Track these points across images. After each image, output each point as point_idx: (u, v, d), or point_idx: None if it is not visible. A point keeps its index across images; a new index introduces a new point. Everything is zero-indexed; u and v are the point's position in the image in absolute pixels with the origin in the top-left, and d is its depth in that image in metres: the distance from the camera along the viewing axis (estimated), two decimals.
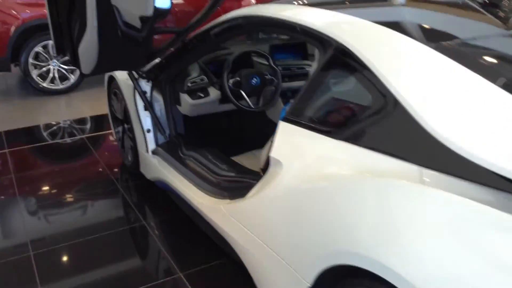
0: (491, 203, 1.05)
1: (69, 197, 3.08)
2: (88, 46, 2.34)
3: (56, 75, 5.44)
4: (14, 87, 6.09)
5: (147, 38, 2.35)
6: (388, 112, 1.33)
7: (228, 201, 2.00)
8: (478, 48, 1.52)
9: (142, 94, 2.83)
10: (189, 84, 2.74)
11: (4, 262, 2.38)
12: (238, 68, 2.69)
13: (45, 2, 2.63)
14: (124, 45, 2.36)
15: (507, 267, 0.97)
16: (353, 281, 1.28)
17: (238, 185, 2.08)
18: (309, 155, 1.51)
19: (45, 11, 2.76)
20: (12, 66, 5.43)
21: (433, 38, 1.53)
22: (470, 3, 2.03)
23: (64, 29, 2.59)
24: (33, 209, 2.94)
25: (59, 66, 5.44)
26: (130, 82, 2.89)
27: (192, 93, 2.73)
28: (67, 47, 2.66)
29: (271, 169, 1.67)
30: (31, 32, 5.20)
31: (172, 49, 2.62)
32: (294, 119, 1.62)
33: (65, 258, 2.45)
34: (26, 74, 5.34)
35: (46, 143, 4.13)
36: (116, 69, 3.00)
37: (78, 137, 4.21)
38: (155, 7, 2.17)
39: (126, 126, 3.18)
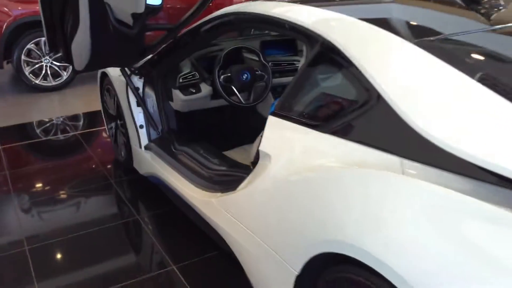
0: (468, 192, 1.10)
1: (63, 193, 3.11)
2: (81, 43, 2.37)
3: (49, 72, 5.45)
4: (6, 84, 6.08)
5: (139, 34, 2.38)
6: (372, 106, 1.38)
7: (219, 194, 2.05)
8: (460, 43, 1.57)
9: (135, 90, 2.86)
10: (181, 80, 2.77)
11: (0, 257, 2.42)
12: (229, 64, 2.73)
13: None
14: (117, 41, 2.38)
15: (485, 254, 1.01)
16: (339, 268, 1.33)
17: (229, 179, 2.12)
18: (296, 148, 1.56)
19: (37, 8, 2.77)
20: (4, 63, 5.43)
21: (416, 34, 1.58)
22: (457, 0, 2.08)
23: (57, 26, 2.61)
24: (27, 205, 2.97)
25: (52, 63, 5.44)
26: (123, 79, 2.92)
27: (184, 89, 2.76)
28: (60, 44, 2.68)
29: (260, 162, 1.72)
30: (24, 29, 5.21)
31: (164, 45, 2.66)
32: (282, 113, 1.67)
33: (60, 253, 2.48)
34: (18, 71, 5.34)
35: (39, 139, 4.15)
36: (109, 66, 3.03)
37: (71, 133, 4.23)
38: (146, 4, 2.20)
39: (119, 122, 3.21)
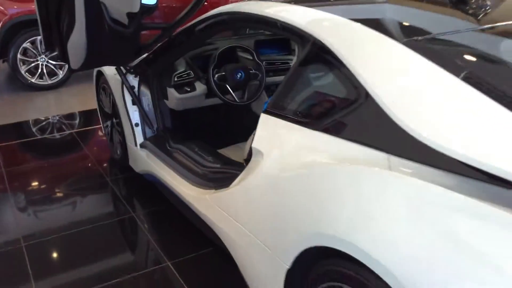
0: (452, 187, 1.14)
1: (59, 191, 3.14)
2: (77, 42, 2.39)
3: (45, 71, 5.46)
4: (2, 83, 6.09)
5: (134, 34, 2.40)
6: (361, 104, 1.41)
7: (213, 191, 2.08)
8: (447, 43, 1.61)
9: (130, 88, 2.89)
10: (176, 79, 2.80)
11: None
12: (223, 63, 2.76)
13: None
14: (112, 40, 2.41)
15: (469, 248, 1.04)
16: (329, 262, 1.37)
17: (223, 176, 2.16)
18: (288, 145, 1.60)
19: (33, 7, 2.79)
20: (0, 62, 5.44)
21: (405, 34, 1.62)
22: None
23: (53, 25, 2.64)
24: (23, 203, 2.99)
25: (48, 62, 5.45)
26: (118, 77, 2.94)
27: (179, 88, 2.79)
28: (56, 43, 2.70)
29: (253, 159, 1.75)
30: (19, 28, 5.21)
31: (159, 44, 2.68)
32: (274, 111, 1.70)
33: (56, 250, 2.50)
34: (14, 69, 5.35)
35: (35, 138, 4.17)
36: (104, 65, 3.05)
37: (67, 132, 4.25)
38: (141, 3, 2.23)
39: (114, 120, 3.23)
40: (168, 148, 2.71)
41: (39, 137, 4.20)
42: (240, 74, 2.75)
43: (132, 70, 2.89)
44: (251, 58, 2.88)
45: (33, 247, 2.49)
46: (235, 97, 2.77)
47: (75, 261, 2.38)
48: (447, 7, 2.06)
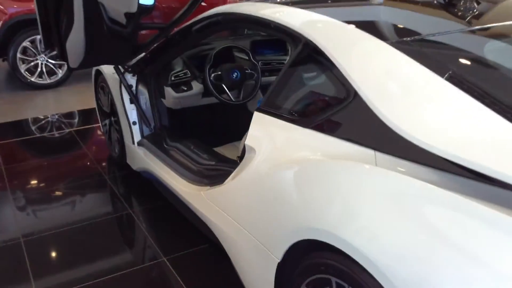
0: (435, 183, 1.19)
1: (58, 189, 3.17)
2: (75, 41, 2.43)
3: (44, 70, 5.49)
4: (2, 82, 6.13)
5: (132, 33, 2.45)
6: (349, 103, 1.46)
7: (207, 187, 2.13)
8: (434, 44, 1.66)
9: (128, 87, 2.93)
10: (173, 78, 2.84)
11: None
12: (219, 62, 2.81)
13: None
14: (110, 40, 2.45)
15: (449, 239, 1.08)
16: (317, 254, 1.41)
17: (217, 173, 2.20)
18: (279, 142, 1.65)
19: (33, 6, 2.83)
20: (0, 60, 5.48)
21: (394, 35, 1.67)
22: (442, 2, 2.17)
23: (52, 24, 2.68)
24: (23, 200, 3.03)
25: (47, 61, 5.49)
26: (116, 76, 2.98)
27: (176, 87, 2.83)
28: (55, 42, 2.75)
29: (246, 156, 1.80)
30: (19, 27, 5.25)
31: (156, 44, 2.73)
32: (267, 109, 1.75)
33: (55, 245, 2.54)
34: (14, 68, 5.39)
35: (35, 136, 4.21)
36: (103, 63, 3.09)
37: (66, 130, 4.29)
38: (139, 4, 2.27)
39: (112, 119, 3.28)
40: (165, 146, 2.75)
41: (38, 135, 4.24)
42: (236, 73, 2.79)
43: (130, 69, 2.93)
44: (247, 58, 2.92)
45: (31, 243, 2.53)
46: (231, 96, 2.81)
47: (73, 256, 2.42)
48: (436, 9, 2.10)
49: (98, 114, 3.68)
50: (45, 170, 3.47)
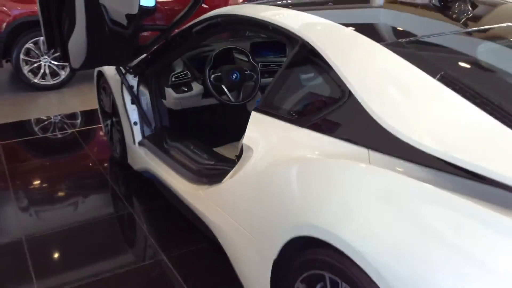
0: (428, 181, 1.21)
1: (60, 189, 3.20)
2: (77, 42, 2.46)
3: (47, 71, 5.53)
4: (5, 83, 6.17)
5: (133, 35, 2.48)
6: (344, 103, 1.49)
7: (206, 186, 2.16)
8: (428, 45, 1.68)
9: (129, 88, 2.96)
10: (174, 79, 2.87)
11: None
12: (219, 64, 2.84)
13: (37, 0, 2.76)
14: (112, 41, 2.48)
15: (442, 237, 1.10)
16: (312, 251, 1.43)
17: (216, 172, 2.23)
18: (276, 141, 1.67)
19: (36, 8, 2.87)
20: (3, 62, 5.52)
21: (389, 37, 1.70)
22: (437, 5, 2.19)
23: (55, 26, 2.72)
24: (25, 199, 3.06)
25: (50, 62, 5.53)
26: (118, 77, 3.01)
27: (176, 88, 2.87)
28: (58, 43, 2.78)
29: (244, 155, 1.83)
30: (22, 28, 5.29)
31: (157, 45, 2.76)
32: (264, 109, 1.78)
33: (57, 244, 2.56)
34: (17, 70, 5.43)
35: (37, 136, 4.24)
36: (104, 64, 3.12)
37: (69, 131, 4.32)
38: (140, 5, 2.30)
39: (114, 119, 3.31)
40: (165, 146, 2.78)
41: (41, 136, 4.27)
42: (235, 75, 2.83)
43: (131, 70, 2.96)
44: (246, 59, 2.95)
45: (33, 242, 2.56)
46: (230, 97, 2.84)
47: (75, 255, 2.44)
48: (432, 11, 2.13)
49: (100, 114, 3.72)
50: (47, 170, 3.50)
